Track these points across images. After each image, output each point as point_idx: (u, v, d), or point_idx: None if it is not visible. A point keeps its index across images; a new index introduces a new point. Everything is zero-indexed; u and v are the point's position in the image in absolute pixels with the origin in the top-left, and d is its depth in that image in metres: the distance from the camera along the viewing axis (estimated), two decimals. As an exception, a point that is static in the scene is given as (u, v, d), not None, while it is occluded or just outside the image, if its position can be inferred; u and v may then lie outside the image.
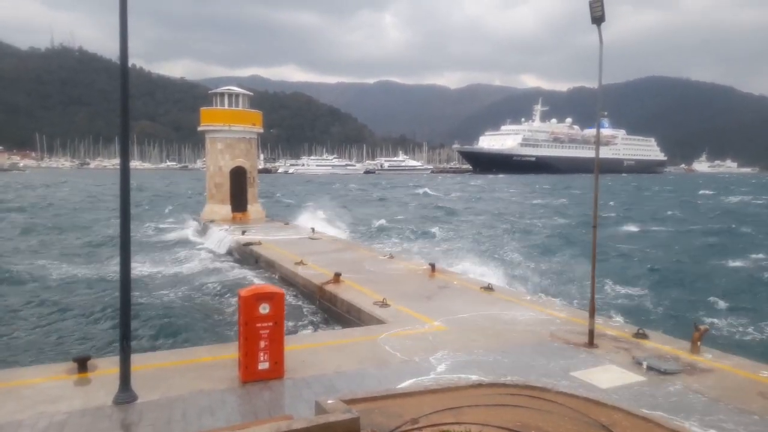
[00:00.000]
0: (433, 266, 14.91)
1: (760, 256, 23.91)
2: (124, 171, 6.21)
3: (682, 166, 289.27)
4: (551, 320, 10.06)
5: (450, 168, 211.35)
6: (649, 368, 7.46)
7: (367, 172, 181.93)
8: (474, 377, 6.82)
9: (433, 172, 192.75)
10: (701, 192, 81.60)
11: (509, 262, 21.53)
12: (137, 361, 7.05)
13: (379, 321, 10.05)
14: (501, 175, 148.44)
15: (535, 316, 10.36)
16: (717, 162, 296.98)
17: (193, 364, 7.54)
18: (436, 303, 11.27)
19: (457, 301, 11.38)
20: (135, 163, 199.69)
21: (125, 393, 6.29)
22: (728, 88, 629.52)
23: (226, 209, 28.31)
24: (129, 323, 6.30)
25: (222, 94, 28.57)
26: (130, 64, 6.26)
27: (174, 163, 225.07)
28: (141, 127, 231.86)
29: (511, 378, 6.60)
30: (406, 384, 6.78)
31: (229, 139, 27.93)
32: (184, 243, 25.06)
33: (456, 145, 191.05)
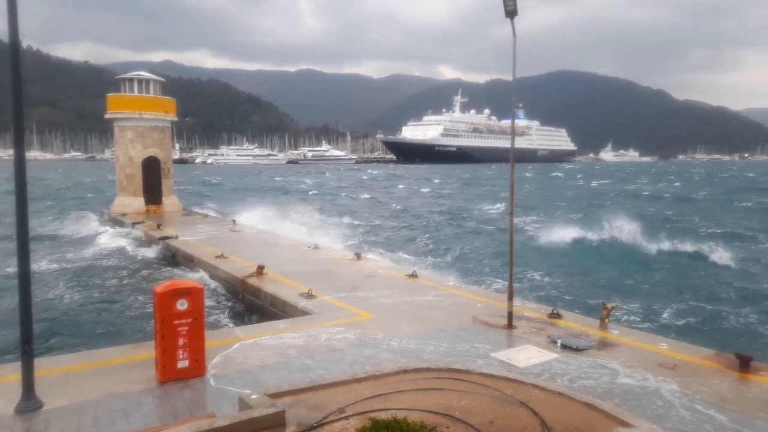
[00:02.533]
0: (358, 255, 14.94)
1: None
2: (20, 162, 5.68)
3: (591, 155, 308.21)
4: (473, 304, 10.40)
5: (374, 158, 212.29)
6: (563, 346, 7.90)
7: (290, 162, 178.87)
8: (400, 363, 6.91)
9: (357, 162, 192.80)
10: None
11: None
12: (41, 365, 6.56)
13: (304, 313, 9.94)
14: (421, 165, 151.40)
15: (457, 300, 10.67)
16: (621, 151, 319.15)
17: (105, 365, 7.10)
18: (363, 292, 11.32)
19: (384, 290, 11.49)
20: (35, 153, 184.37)
21: (29, 401, 5.82)
22: (631, 83, 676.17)
23: (138, 202, 26.85)
24: (31, 324, 5.81)
25: (131, 80, 26.98)
26: (24, 45, 5.72)
27: (79, 153, 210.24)
28: (40, 114, 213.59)
29: (434, 362, 6.75)
30: (332, 374, 6.75)
31: (140, 127, 26.46)
32: (90, 238, 23.48)
33: (379, 135, 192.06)
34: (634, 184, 74.33)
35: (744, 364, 6.96)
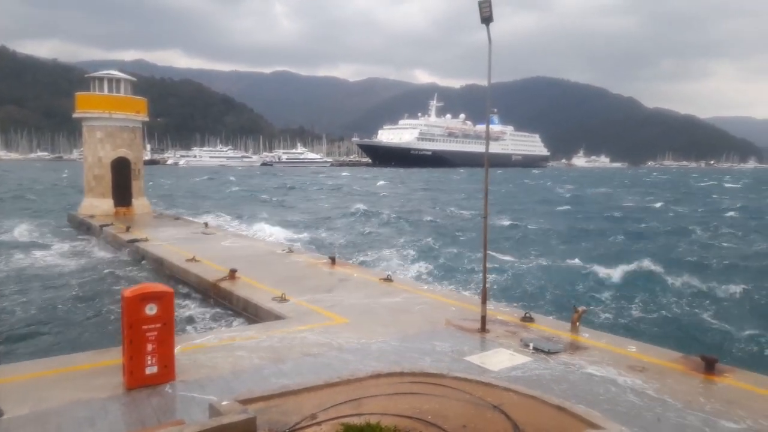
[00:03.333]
0: (333, 259, 14.86)
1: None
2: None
3: (563, 161, 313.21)
4: (447, 307, 10.42)
5: (349, 161, 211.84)
6: (535, 349, 7.98)
7: (265, 164, 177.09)
8: (373, 367, 6.88)
9: (332, 164, 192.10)
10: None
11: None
12: (1, 372, 6.33)
13: (277, 317, 9.83)
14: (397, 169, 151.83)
15: (431, 304, 10.68)
16: (593, 157, 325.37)
17: (70, 372, 6.90)
18: (337, 296, 11.25)
19: (357, 293, 11.44)
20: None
21: (-13, 410, 5.61)
22: (602, 90, 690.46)
23: (107, 203, 26.26)
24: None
25: (101, 79, 26.41)
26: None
27: (46, 153, 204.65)
28: (6, 113, 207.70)
29: (408, 366, 6.74)
30: (305, 379, 6.68)
31: (110, 127, 25.90)
32: (49, 241, 22.79)
33: (355, 138, 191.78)
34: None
35: (709, 366, 7.13)
